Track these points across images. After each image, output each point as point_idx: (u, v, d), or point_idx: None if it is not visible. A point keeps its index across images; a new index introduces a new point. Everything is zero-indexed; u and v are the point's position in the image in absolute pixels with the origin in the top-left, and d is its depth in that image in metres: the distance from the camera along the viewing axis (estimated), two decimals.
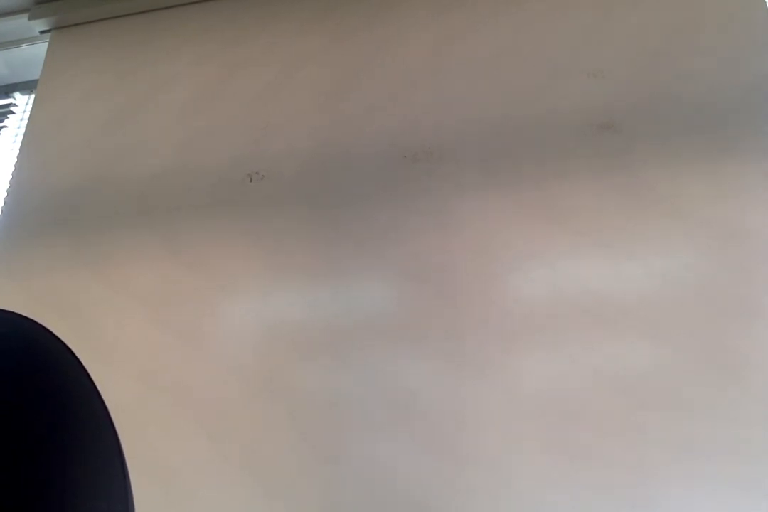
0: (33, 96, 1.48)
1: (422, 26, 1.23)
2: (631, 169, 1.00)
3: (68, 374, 0.32)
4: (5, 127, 1.55)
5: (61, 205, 1.24)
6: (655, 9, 1.11)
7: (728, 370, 0.85)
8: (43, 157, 1.31)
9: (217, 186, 1.18)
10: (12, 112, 1.56)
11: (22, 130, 1.41)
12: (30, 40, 1.54)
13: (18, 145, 1.36)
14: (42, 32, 1.51)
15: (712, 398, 0.84)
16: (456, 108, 1.12)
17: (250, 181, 1.16)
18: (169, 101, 1.30)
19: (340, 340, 0.99)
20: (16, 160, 1.34)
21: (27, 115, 1.44)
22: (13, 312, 0.33)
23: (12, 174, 1.32)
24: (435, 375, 0.93)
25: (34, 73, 1.49)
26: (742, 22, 1.06)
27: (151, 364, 1.04)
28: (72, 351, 0.33)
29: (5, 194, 1.30)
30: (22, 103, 1.59)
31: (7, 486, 0.24)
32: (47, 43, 1.49)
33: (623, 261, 0.94)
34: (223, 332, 1.05)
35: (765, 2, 1.06)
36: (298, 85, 1.24)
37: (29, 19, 1.48)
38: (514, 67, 1.13)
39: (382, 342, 0.97)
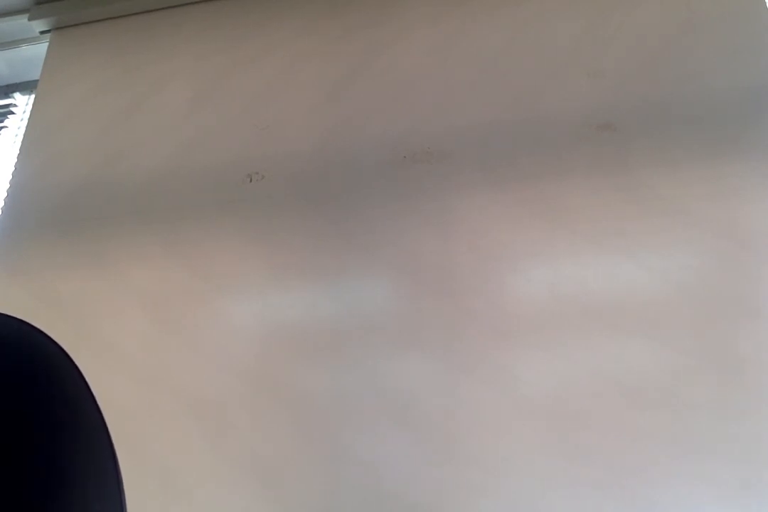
0: (33, 96, 1.48)
1: (422, 26, 1.23)
2: (630, 169, 1.00)
3: (65, 379, 0.32)
4: (5, 127, 1.54)
5: (61, 205, 1.24)
6: (655, 9, 1.11)
7: (728, 370, 0.85)
8: (43, 157, 1.31)
9: (217, 186, 1.18)
10: (12, 112, 1.56)
11: (22, 130, 1.41)
12: (30, 40, 1.54)
13: (18, 145, 1.36)
14: (42, 32, 1.51)
15: (713, 398, 0.84)
16: (456, 108, 1.12)
17: (250, 181, 1.16)
18: (169, 101, 1.30)
19: (340, 340, 0.99)
20: (16, 160, 1.34)
21: (27, 115, 1.44)
22: (10, 316, 0.33)
23: (12, 174, 1.32)
24: (434, 375, 0.93)
25: (34, 73, 1.49)
26: (742, 22, 1.06)
27: (151, 364, 1.04)
28: (68, 355, 0.33)
29: (5, 194, 1.30)
30: (22, 103, 1.59)
31: (2, 488, 0.25)
32: (47, 43, 1.49)
33: (623, 260, 0.94)
34: (223, 332, 1.05)
35: (765, 2, 1.06)
36: (298, 85, 1.24)
37: (29, 19, 1.48)
38: (514, 67, 1.13)
39: (381, 342, 0.97)
